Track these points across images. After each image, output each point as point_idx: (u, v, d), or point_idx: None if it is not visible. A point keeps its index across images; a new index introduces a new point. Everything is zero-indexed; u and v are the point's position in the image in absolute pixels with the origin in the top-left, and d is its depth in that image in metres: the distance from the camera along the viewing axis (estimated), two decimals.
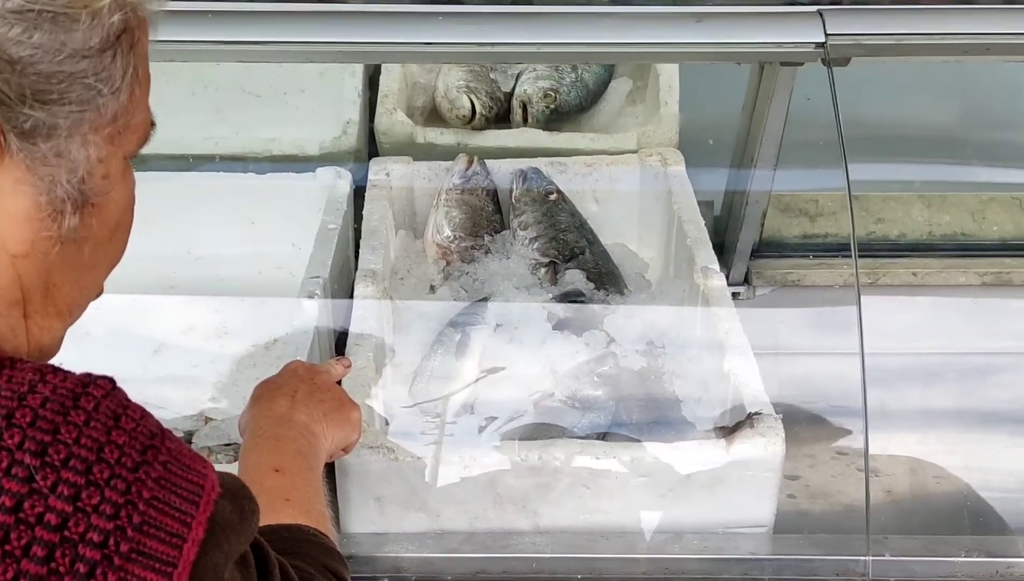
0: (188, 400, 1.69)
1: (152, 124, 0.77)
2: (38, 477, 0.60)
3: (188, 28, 1.61)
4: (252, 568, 0.74)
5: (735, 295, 2.13)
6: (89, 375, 0.68)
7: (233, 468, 1.36)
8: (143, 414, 0.68)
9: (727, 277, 2.11)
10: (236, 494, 0.71)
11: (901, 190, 2.29)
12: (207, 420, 1.65)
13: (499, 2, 1.77)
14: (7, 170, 0.67)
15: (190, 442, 1.56)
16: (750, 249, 2.10)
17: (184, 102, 2.18)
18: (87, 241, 0.73)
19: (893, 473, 1.76)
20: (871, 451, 1.74)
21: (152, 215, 2.10)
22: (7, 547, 0.58)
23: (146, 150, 2.38)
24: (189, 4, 1.69)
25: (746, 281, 2.14)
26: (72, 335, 1.92)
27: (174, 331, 1.85)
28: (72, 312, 0.78)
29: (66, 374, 0.67)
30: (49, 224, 0.70)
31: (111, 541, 0.60)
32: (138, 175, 2.21)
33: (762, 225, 2.16)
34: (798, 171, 2.15)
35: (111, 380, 0.68)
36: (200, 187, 2.05)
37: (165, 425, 1.56)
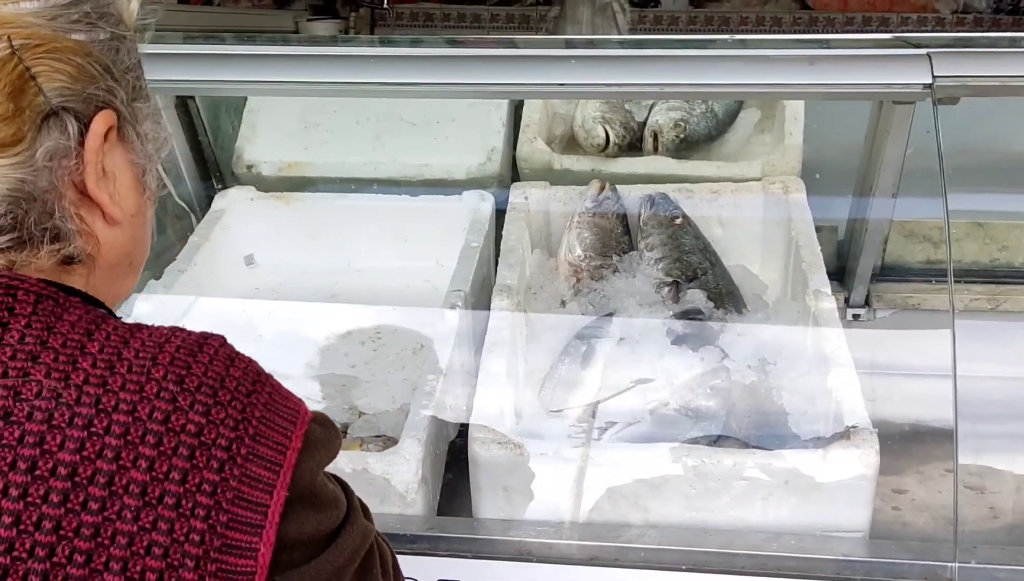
0: (345, 396, 1.92)
1: None
2: (179, 399, 0.78)
3: (356, 70, 1.84)
4: (350, 488, 0.93)
5: (856, 317, 2.24)
6: (207, 332, 0.87)
7: (385, 456, 1.57)
8: (250, 359, 0.86)
9: (848, 300, 2.22)
10: (324, 422, 0.90)
11: None
12: (360, 414, 1.87)
13: (630, 46, 1.93)
14: (121, 151, 0.89)
15: (346, 433, 1.78)
16: (870, 273, 2.19)
17: (349, 131, 2.43)
18: (149, 201, 0.94)
19: (999, 491, 1.83)
20: (980, 469, 1.83)
21: (319, 232, 2.38)
22: (161, 448, 0.76)
23: (316, 173, 2.66)
24: (357, 49, 1.93)
25: (867, 303, 2.24)
26: (247, 337, 2.18)
27: (334, 335, 2.08)
28: (142, 263, 0.97)
29: (189, 331, 0.85)
30: (141, 189, 0.92)
31: (234, 446, 0.78)
32: (309, 196, 2.48)
33: (883, 250, 2.25)
34: (921, 199, 2.22)
35: (223, 336, 0.87)
36: (360, 207, 2.29)
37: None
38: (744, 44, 1.84)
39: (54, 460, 0.74)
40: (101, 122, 0.85)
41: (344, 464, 1.55)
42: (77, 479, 0.74)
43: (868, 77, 1.67)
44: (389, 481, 1.55)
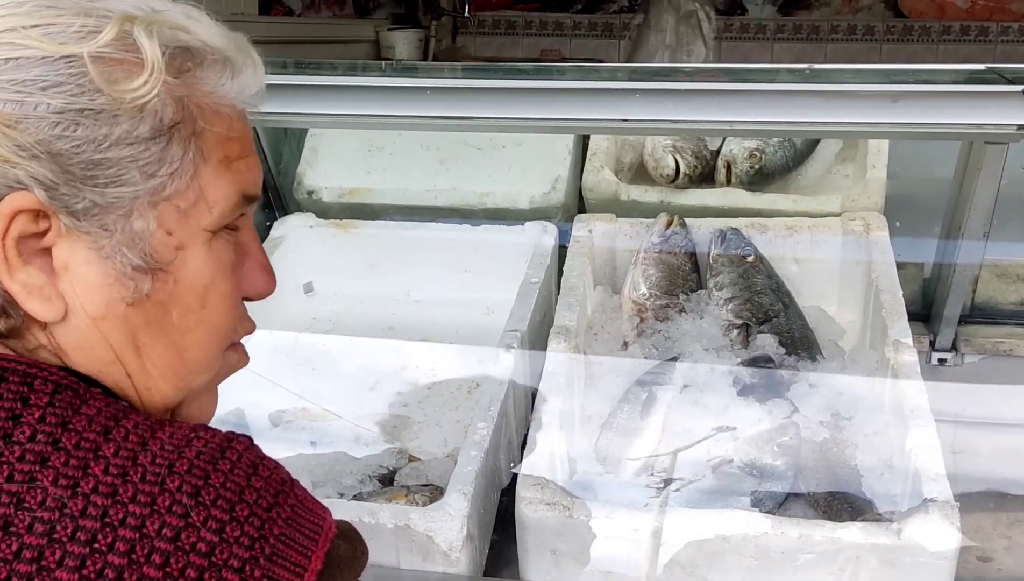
0: (395, 436, 1.86)
1: (248, 198, 0.86)
2: (193, 514, 0.72)
3: (418, 104, 1.77)
4: None
5: (941, 362, 2.09)
6: (233, 433, 0.80)
7: (429, 512, 1.50)
8: (276, 465, 0.80)
9: (933, 343, 2.08)
10: (350, 536, 0.83)
11: None
12: (411, 459, 1.80)
13: (699, 79, 1.83)
14: (74, 245, 0.78)
15: (392, 480, 1.72)
16: (958, 315, 2.05)
17: (412, 156, 2.38)
18: (172, 305, 0.83)
19: None
20: None
21: (378, 261, 2.32)
22: (167, 568, 0.70)
23: (377, 200, 2.61)
24: (420, 80, 1.86)
25: (954, 348, 2.09)
26: (299, 369, 2.13)
27: (390, 370, 2.02)
28: (179, 374, 0.86)
29: (215, 431, 0.79)
30: (120, 289, 0.80)
31: (247, 568, 0.73)
32: (369, 224, 2.42)
33: (973, 291, 2.11)
34: (1016, 239, 2.08)
35: (249, 438, 0.80)
36: (421, 237, 2.23)
37: (371, 461, 1.73)
38: (821, 77, 1.72)
39: (51, 578, 0.69)
40: (7, 204, 0.76)
41: (387, 520, 1.48)
42: None
43: (956, 117, 1.54)
44: (432, 538, 1.48)
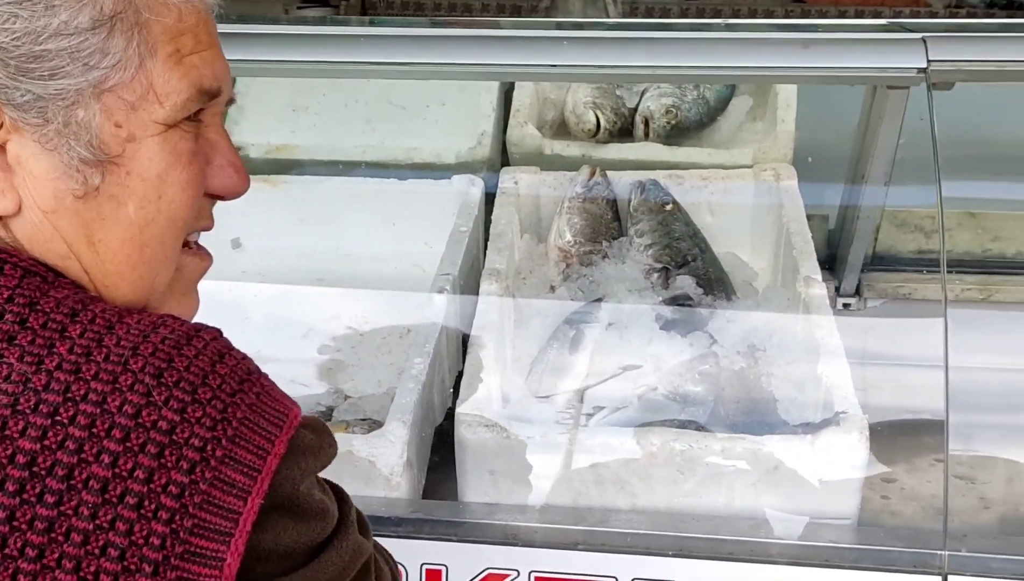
0: (330, 379, 1.90)
1: (206, 92, 0.85)
2: (154, 393, 0.74)
3: (346, 50, 1.81)
4: (348, 500, 0.88)
5: (846, 306, 2.22)
6: (201, 324, 0.81)
7: (370, 439, 1.55)
8: (244, 356, 0.80)
9: (839, 289, 2.20)
10: (319, 429, 0.85)
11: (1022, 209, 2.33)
12: (346, 397, 1.85)
13: (621, 29, 1.91)
14: (22, 140, 0.79)
15: (330, 417, 1.76)
16: (861, 262, 2.18)
17: (338, 114, 2.41)
18: (128, 198, 0.83)
19: (989, 481, 1.82)
20: (970, 459, 1.82)
21: (307, 215, 2.35)
22: (127, 443, 0.72)
23: (305, 156, 2.62)
24: (346, 29, 1.90)
25: (857, 293, 2.22)
26: (234, 318, 2.15)
27: (321, 319, 2.06)
28: (137, 270, 0.86)
29: (183, 322, 0.80)
30: (69, 182, 0.80)
31: (208, 447, 0.74)
32: (296, 179, 2.44)
33: (875, 239, 2.24)
34: (913, 187, 2.21)
35: (218, 330, 0.81)
36: (349, 191, 2.26)
37: (308, 400, 1.76)
38: (738, 28, 1.82)
39: (14, 447, 0.72)
40: None
41: None
42: (35, 469, 0.71)
43: (862, 61, 1.65)
44: (374, 464, 1.54)
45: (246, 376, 0.79)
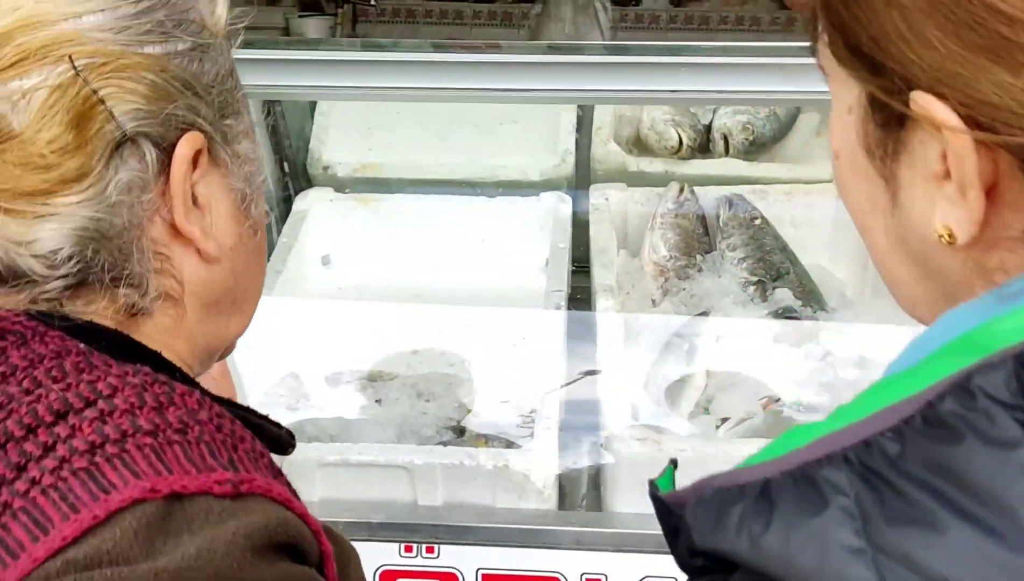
0: (451, 394, 1.95)
1: None
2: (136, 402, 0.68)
3: (429, 77, 1.83)
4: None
5: None
6: (177, 384, 0.73)
7: (524, 453, 1.61)
8: (218, 416, 0.73)
9: None
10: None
11: None
12: (468, 411, 1.90)
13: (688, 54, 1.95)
14: (214, 177, 0.79)
15: (463, 431, 1.82)
16: None
17: (413, 131, 2.45)
18: (260, 226, 0.86)
19: None
20: None
21: (398, 233, 2.39)
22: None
23: (389, 174, 2.64)
24: (424, 56, 1.93)
25: None
26: (343, 336, 2.18)
27: (429, 334, 2.10)
28: (257, 298, 0.88)
29: (157, 375, 0.72)
30: (245, 216, 0.83)
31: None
32: (387, 197, 2.47)
33: None
34: None
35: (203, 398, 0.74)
36: (438, 209, 2.31)
37: (439, 415, 1.79)
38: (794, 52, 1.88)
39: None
40: (186, 145, 0.75)
41: (486, 462, 1.59)
42: None
43: None
44: (528, 477, 1.59)
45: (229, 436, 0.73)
